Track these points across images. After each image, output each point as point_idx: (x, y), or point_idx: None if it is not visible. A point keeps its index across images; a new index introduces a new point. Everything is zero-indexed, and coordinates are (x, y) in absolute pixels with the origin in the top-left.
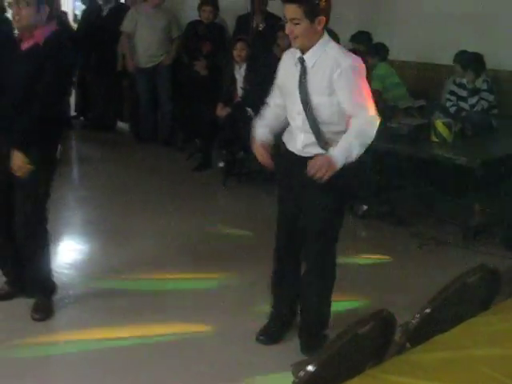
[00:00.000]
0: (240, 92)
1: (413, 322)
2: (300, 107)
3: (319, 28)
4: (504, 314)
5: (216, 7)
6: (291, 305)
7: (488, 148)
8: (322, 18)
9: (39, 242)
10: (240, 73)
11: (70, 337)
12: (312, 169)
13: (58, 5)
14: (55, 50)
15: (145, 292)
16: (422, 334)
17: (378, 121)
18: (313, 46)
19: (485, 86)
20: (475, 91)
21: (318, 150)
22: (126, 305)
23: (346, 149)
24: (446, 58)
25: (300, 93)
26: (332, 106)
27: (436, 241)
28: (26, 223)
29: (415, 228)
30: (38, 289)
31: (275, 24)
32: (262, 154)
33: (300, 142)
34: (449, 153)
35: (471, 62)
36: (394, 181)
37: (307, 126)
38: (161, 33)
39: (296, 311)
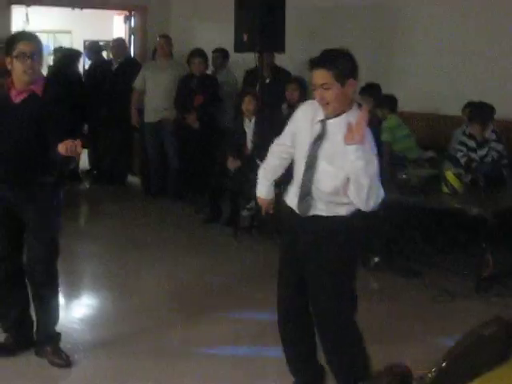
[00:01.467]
0: (250, 145)
1: (429, 375)
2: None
3: (350, 91)
4: None
5: (206, 58)
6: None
7: (500, 198)
8: (352, 81)
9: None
10: (249, 126)
11: None
12: (348, 135)
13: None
14: (56, 97)
15: (152, 345)
16: None
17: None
18: (342, 113)
19: (493, 137)
20: (484, 142)
21: (321, 212)
22: (134, 360)
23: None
24: (454, 109)
25: (308, 155)
26: (337, 178)
27: (449, 293)
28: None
29: (428, 280)
30: (48, 335)
31: (282, 78)
32: (268, 208)
33: (317, 202)
34: (460, 204)
35: (477, 113)
36: (405, 232)
37: (324, 191)
38: (166, 87)
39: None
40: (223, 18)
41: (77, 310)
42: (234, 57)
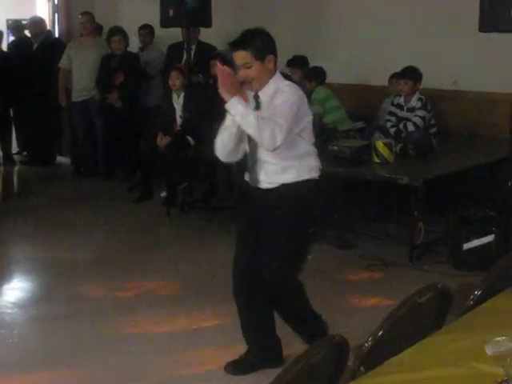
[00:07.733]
0: (179, 121)
1: (366, 345)
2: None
3: (270, 66)
4: (457, 333)
5: (125, 35)
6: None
7: (429, 167)
8: (271, 56)
9: None
10: (178, 102)
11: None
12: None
13: None
14: None
15: (88, 328)
16: (375, 357)
17: (275, 138)
18: (267, 83)
19: (419, 104)
20: (411, 110)
21: (280, 178)
22: (69, 342)
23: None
24: (382, 80)
25: None
26: None
27: (382, 261)
28: None
29: (361, 250)
30: None
31: (208, 52)
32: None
33: (263, 173)
34: (391, 173)
35: (407, 70)
36: (337, 203)
37: (267, 157)
38: (92, 65)
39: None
40: None
41: (9, 294)
42: (160, 32)
